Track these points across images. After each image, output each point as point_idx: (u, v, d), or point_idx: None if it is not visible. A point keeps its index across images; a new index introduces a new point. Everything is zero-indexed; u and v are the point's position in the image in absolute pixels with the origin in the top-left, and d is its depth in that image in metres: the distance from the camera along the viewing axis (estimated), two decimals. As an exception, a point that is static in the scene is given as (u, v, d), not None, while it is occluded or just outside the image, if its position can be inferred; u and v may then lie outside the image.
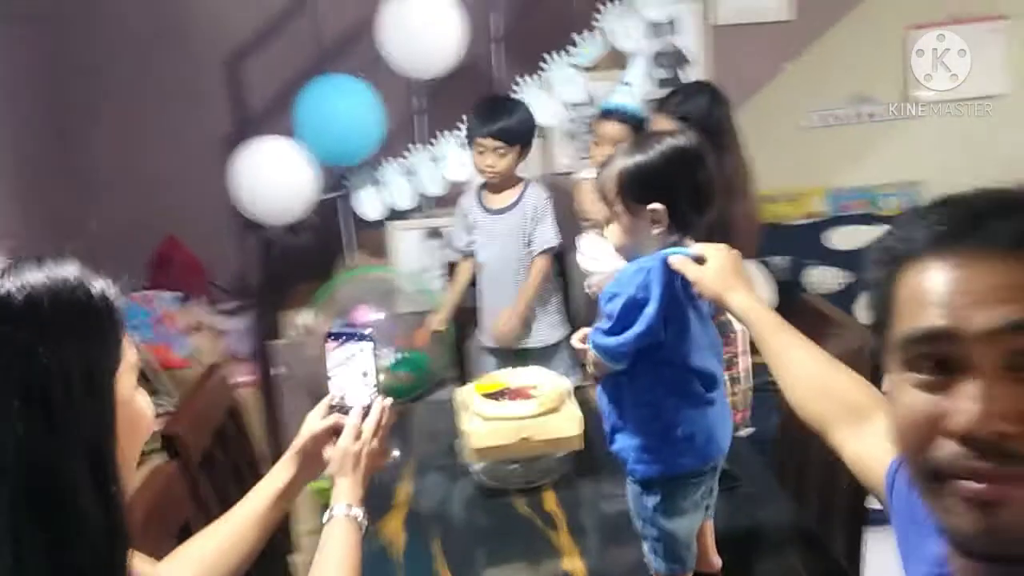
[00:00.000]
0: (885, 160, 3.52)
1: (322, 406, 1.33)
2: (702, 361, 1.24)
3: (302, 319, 2.78)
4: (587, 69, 2.90)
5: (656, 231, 1.26)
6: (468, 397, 1.84)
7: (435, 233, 2.98)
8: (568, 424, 1.74)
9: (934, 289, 0.68)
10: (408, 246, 2.99)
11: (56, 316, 0.76)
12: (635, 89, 2.53)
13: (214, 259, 3.85)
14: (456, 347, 2.82)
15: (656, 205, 1.24)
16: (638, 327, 1.18)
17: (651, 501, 1.27)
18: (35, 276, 0.77)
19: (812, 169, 3.52)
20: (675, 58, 2.97)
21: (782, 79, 3.20)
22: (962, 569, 0.74)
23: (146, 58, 3.72)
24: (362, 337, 1.32)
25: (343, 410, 1.31)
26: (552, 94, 2.89)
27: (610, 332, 1.22)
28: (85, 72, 3.71)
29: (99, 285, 0.81)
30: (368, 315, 2.61)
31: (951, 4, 3.76)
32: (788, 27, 2.99)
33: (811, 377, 1.12)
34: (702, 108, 2.29)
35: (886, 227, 0.79)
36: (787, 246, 3.26)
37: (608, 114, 2.49)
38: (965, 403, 0.65)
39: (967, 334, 0.66)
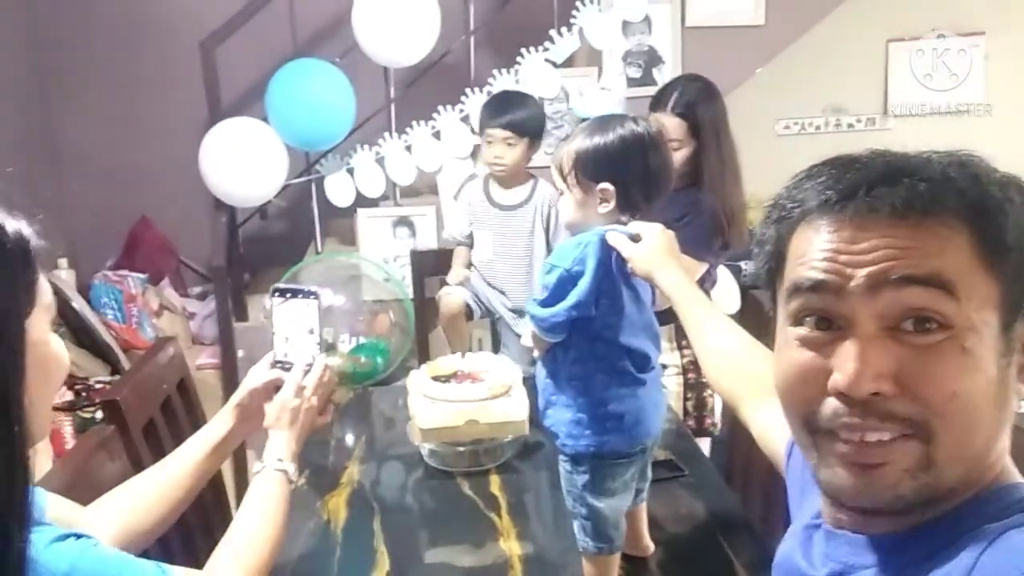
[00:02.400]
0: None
1: (265, 361, 1.34)
2: (635, 340, 1.26)
3: (266, 302, 2.78)
4: (560, 65, 2.92)
5: (603, 210, 1.28)
6: (419, 380, 1.85)
7: (404, 222, 2.99)
8: (515, 409, 1.75)
9: (820, 246, 0.69)
10: (376, 234, 3.00)
11: None
12: (615, 94, 2.53)
13: (186, 241, 3.86)
14: (420, 335, 2.82)
15: (606, 185, 1.27)
16: (570, 299, 1.21)
17: (580, 479, 1.28)
18: None
19: (786, 177, 3.54)
20: (648, 57, 2.99)
21: (755, 84, 3.22)
22: (833, 519, 0.76)
23: (123, 42, 3.73)
24: (308, 295, 1.32)
25: (286, 367, 1.31)
26: (526, 89, 2.90)
27: (544, 304, 1.24)
28: (63, 56, 3.72)
29: (13, 226, 0.81)
30: (328, 298, 2.61)
31: (931, 18, 3.81)
32: (759, 32, 3.02)
33: (727, 353, 1.14)
34: (701, 101, 2.29)
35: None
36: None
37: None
38: (843, 362, 0.67)
39: (848, 289, 0.67)
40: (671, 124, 2.28)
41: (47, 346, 0.85)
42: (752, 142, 3.56)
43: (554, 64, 2.91)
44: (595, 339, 1.24)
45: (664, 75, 2.99)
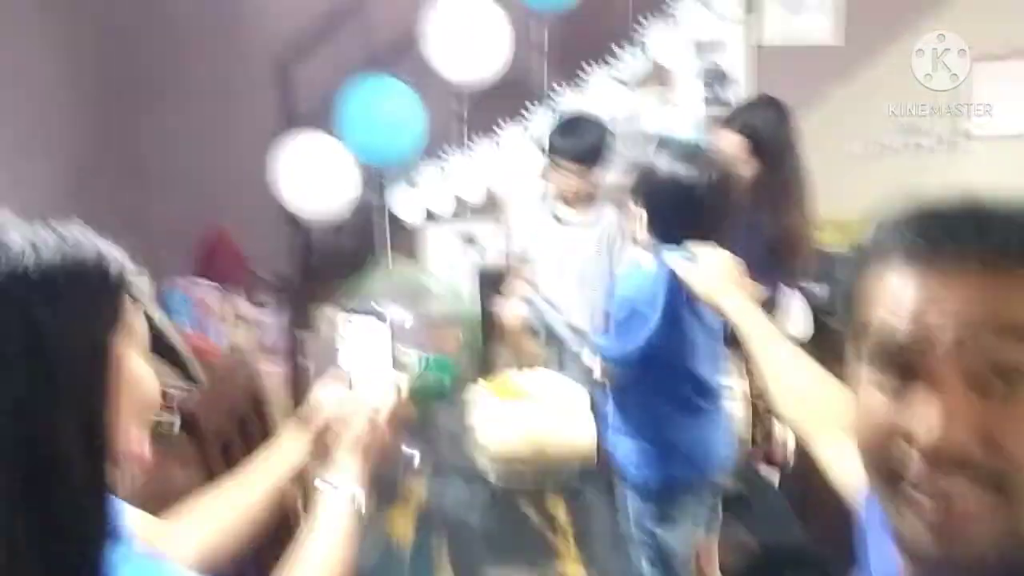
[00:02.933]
0: (935, 192, 3.45)
1: (332, 382, 1.34)
2: (699, 368, 1.25)
3: (331, 314, 2.82)
4: (629, 83, 2.91)
5: (639, 230, 1.29)
6: (484, 398, 1.86)
7: (469, 238, 3.01)
8: (582, 434, 1.73)
9: (906, 298, 0.67)
10: (442, 249, 3.02)
11: (56, 274, 0.78)
12: (686, 112, 2.51)
13: (257, 252, 3.93)
14: (484, 351, 2.82)
15: (640, 208, 1.28)
16: (640, 334, 1.19)
17: (644, 508, 1.28)
18: (41, 235, 0.79)
19: (859, 197, 3.46)
20: (718, 77, 2.96)
21: (828, 104, 3.16)
22: (909, 572, 0.73)
23: (199, 55, 3.83)
24: (379, 317, 1.33)
25: (355, 386, 1.32)
26: (593, 107, 2.90)
27: (613, 337, 1.23)
28: (139, 69, 3.83)
29: (104, 249, 0.83)
30: (395, 314, 2.63)
31: (1016, 39, 3.69)
32: (833, 51, 2.96)
33: (797, 385, 1.11)
34: (768, 123, 2.27)
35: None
36: (829, 274, 3.20)
37: (664, 145, 2.44)
38: (927, 418, 0.65)
39: (933, 343, 0.65)
40: (733, 142, 2.26)
41: (133, 369, 0.85)
42: (824, 163, 3.50)
43: (623, 83, 2.90)
44: (661, 368, 1.23)
45: (737, 95, 2.95)
